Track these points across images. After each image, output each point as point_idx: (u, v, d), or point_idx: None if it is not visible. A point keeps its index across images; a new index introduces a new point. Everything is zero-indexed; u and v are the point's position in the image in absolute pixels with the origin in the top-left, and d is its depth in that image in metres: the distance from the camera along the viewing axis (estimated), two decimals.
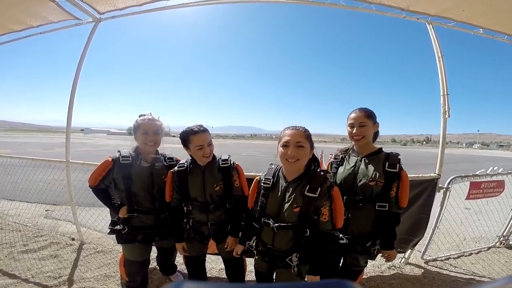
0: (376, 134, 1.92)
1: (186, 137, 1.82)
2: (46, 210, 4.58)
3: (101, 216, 3.50)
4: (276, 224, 1.54)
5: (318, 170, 1.61)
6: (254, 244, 1.74)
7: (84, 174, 3.63)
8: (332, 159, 2.05)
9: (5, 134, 65.21)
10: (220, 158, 1.97)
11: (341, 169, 1.95)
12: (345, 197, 1.79)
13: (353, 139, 1.86)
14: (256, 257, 1.80)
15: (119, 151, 2.01)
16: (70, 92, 3.15)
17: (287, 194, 1.55)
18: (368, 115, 1.81)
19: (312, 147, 1.55)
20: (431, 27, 2.86)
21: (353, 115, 1.85)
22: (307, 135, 1.51)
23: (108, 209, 2.60)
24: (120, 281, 2.48)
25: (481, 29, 2.93)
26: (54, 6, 2.74)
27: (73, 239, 3.33)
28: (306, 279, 1.57)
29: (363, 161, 1.85)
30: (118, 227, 2.00)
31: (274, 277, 1.79)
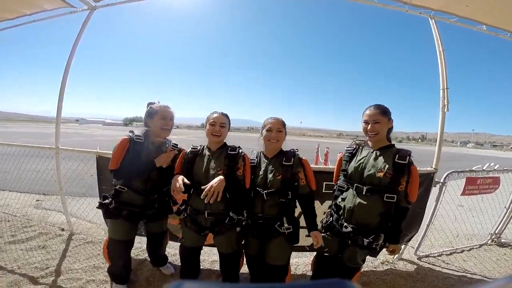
0: (390, 130, 1.93)
1: (208, 116, 2.02)
2: (36, 200, 4.50)
3: (91, 206, 3.43)
4: (265, 191, 1.89)
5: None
6: (244, 218, 2.01)
7: (74, 163, 3.55)
8: (345, 148, 2.10)
9: None
10: (230, 147, 2.03)
11: (353, 160, 1.99)
12: (355, 185, 1.88)
13: (368, 135, 1.90)
14: (246, 234, 2.06)
15: (132, 131, 2.09)
16: (61, 78, 3.08)
17: (269, 167, 1.96)
18: (382, 112, 1.85)
19: (285, 133, 2.01)
20: (433, 22, 2.82)
21: (368, 112, 1.88)
22: (283, 123, 1.99)
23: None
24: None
25: (485, 26, 2.89)
26: None
27: (62, 230, 3.27)
28: (311, 235, 1.88)
29: (374, 153, 1.89)
30: (106, 201, 2.07)
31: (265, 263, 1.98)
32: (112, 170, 1.98)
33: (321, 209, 2.47)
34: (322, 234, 2.02)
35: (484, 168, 3.04)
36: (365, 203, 1.81)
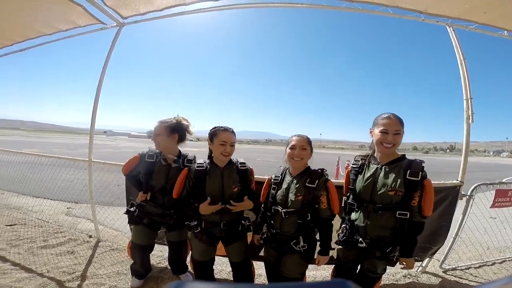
0: None
1: (216, 132, 1.98)
2: (67, 208, 4.76)
3: (118, 215, 3.58)
4: (284, 210, 1.87)
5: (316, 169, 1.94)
6: (265, 231, 2.03)
7: (105, 175, 3.77)
8: (350, 165, 2.01)
9: (34, 134, 69.21)
10: (238, 161, 2.09)
11: (360, 177, 1.89)
12: (364, 204, 1.82)
13: (382, 146, 1.74)
14: (266, 245, 2.06)
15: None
16: (95, 93, 3.30)
17: (292, 186, 1.91)
18: (401, 123, 1.74)
19: (311, 150, 1.93)
20: (451, 29, 2.75)
21: (386, 121, 1.73)
22: (308, 141, 1.92)
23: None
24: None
25: (506, 32, 2.78)
26: (81, 11, 2.88)
27: (90, 236, 3.43)
28: (316, 258, 1.92)
29: (383, 169, 1.78)
30: (132, 208, 2.33)
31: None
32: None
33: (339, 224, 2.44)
34: (339, 247, 2.01)
35: None
36: (377, 221, 1.77)
